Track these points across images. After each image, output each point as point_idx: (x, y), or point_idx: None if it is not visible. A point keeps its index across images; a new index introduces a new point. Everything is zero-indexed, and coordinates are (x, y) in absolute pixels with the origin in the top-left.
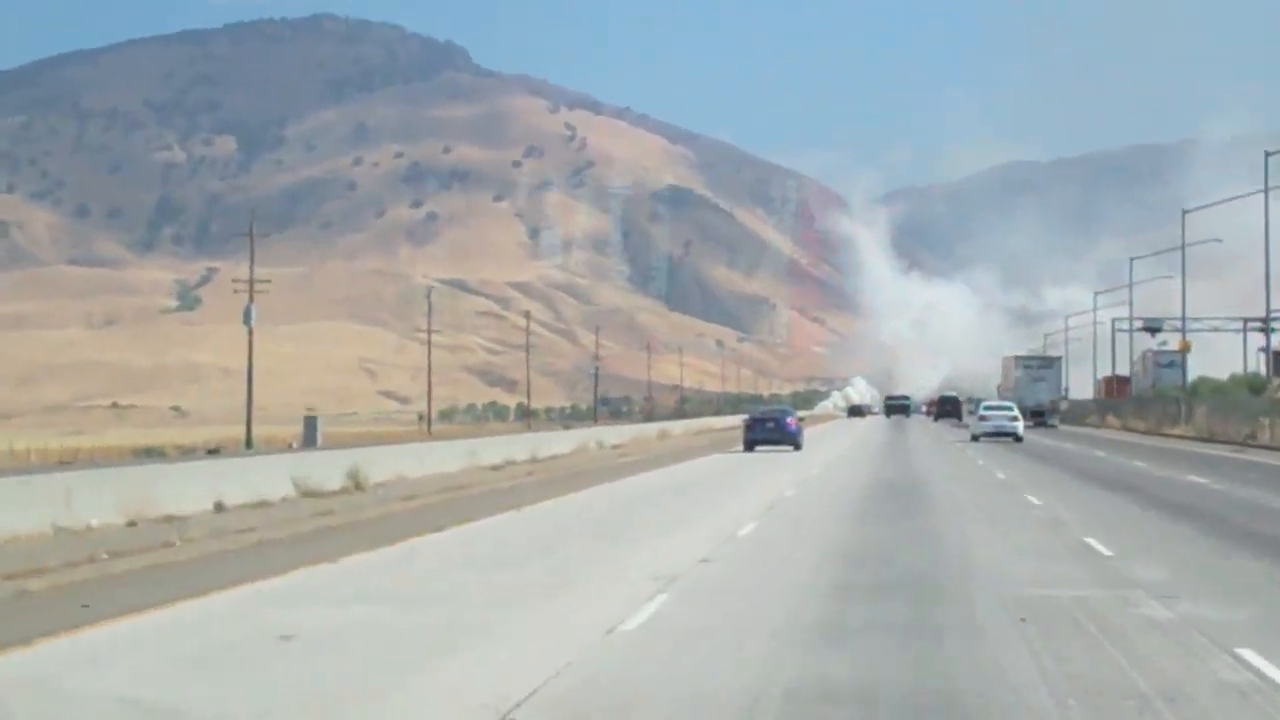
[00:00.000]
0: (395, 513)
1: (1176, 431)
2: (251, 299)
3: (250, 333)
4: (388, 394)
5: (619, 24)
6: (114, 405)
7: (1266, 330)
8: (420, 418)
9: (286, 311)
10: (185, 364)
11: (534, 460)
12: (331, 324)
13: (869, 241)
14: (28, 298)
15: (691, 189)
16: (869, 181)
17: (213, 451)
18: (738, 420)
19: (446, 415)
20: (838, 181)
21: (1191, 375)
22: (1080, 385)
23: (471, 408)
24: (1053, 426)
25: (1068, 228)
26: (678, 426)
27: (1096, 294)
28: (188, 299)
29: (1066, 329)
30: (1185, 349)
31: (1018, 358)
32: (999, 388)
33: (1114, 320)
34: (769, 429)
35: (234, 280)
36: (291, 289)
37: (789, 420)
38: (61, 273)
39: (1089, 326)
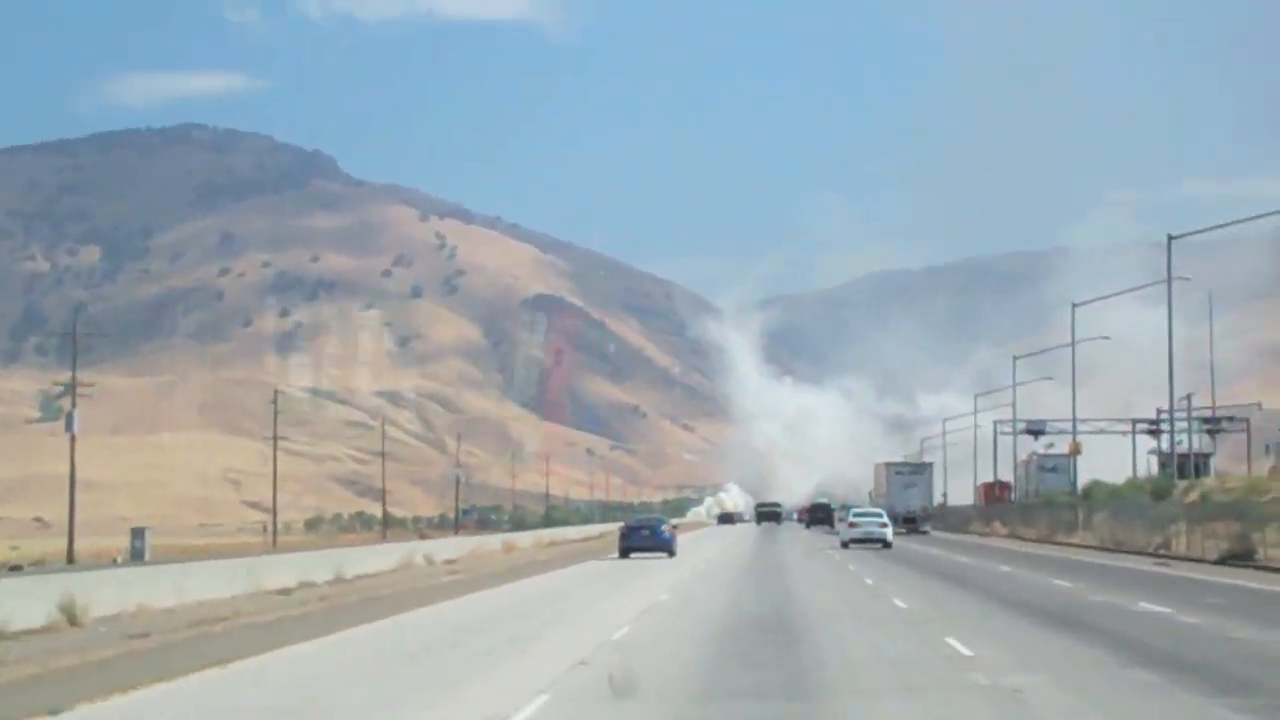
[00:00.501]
0: (69, 668)
1: (1074, 540)
2: (74, 404)
3: (73, 440)
4: (253, 504)
5: (490, 133)
6: None
7: (1170, 431)
8: (265, 529)
9: (152, 421)
10: (49, 475)
11: (338, 580)
12: (198, 434)
13: (741, 348)
14: None
15: (563, 297)
16: (741, 289)
17: (15, 569)
18: (596, 530)
19: (313, 525)
20: (710, 289)
21: (1078, 480)
22: (960, 491)
23: (338, 518)
24: (925, 533)
25: (942, 335)
26: (529, 538)
27: (976, 396)
28: (51, 409)
29: (944, 433)
30: (1076, 451)
31: (889, 464)
32: (871, 494)
33: (995, 423)
34: (644, 536)
35: (54, 382)
36: (157, 399)
37: (663, 528)
38: None
39: (967, 430)
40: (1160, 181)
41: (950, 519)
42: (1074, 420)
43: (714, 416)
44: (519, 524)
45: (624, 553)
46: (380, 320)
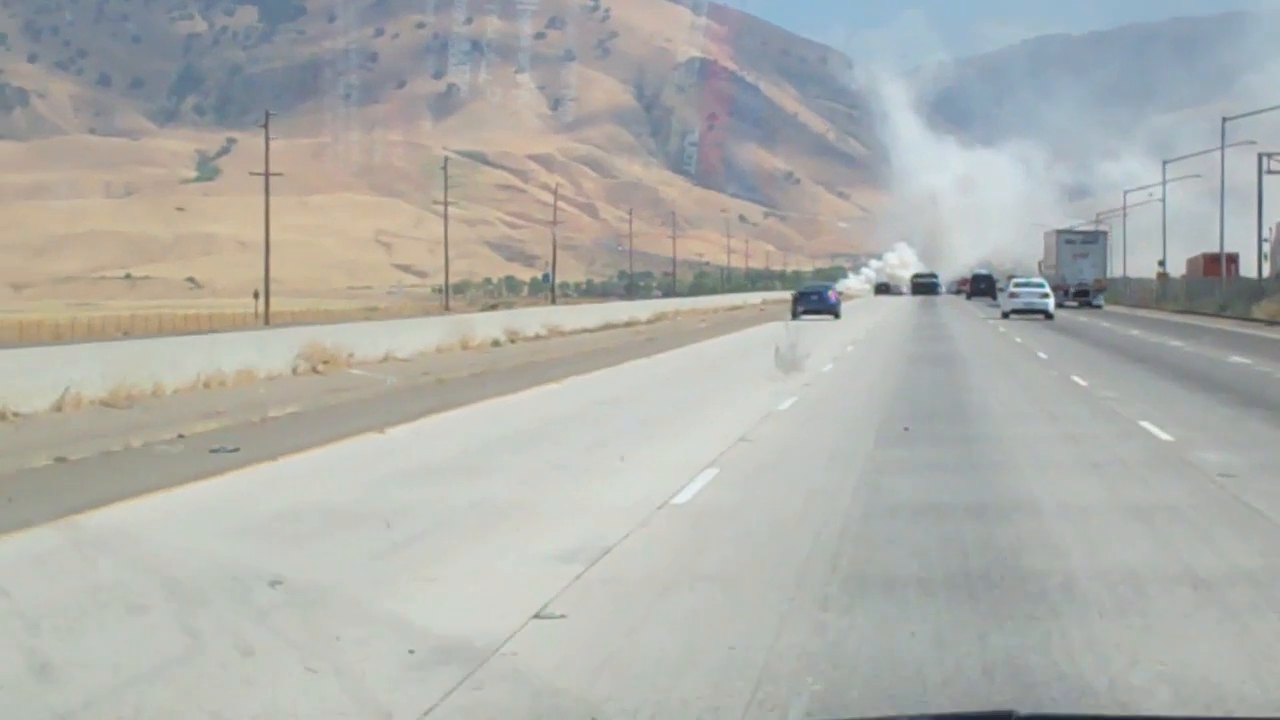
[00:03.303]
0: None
1: None
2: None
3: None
4: (404, 267)
5: None
6: (128, 276)
7: None
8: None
9: (304, 183)
10: (201, 235)
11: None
12: (350, 196)
13: (900, 105)
14: (48, 167)
15: (716, 60)
16: (897, 54)
17: None
18: (711, 304)
19: (460, 289)
20: (865, 55)
21: None
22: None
23: (488, 282)
24: (1098, 307)
25: (1113, 102)
26: (615, 312)
27: (1225, 120)
28: (206, 170)
29: (1164, 181)
30: None
31: (1059, 232)
32: (1041, 265)
33: (1262, 157)
34: (813, 300)
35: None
36: (310, 161)
37: (830, 293)
38: (82, 142)
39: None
40: None
41: (1180, 294)
42: None
43: (870, 184)
44: (668, 292)
45: (795, 314)
46: (533, 83)
